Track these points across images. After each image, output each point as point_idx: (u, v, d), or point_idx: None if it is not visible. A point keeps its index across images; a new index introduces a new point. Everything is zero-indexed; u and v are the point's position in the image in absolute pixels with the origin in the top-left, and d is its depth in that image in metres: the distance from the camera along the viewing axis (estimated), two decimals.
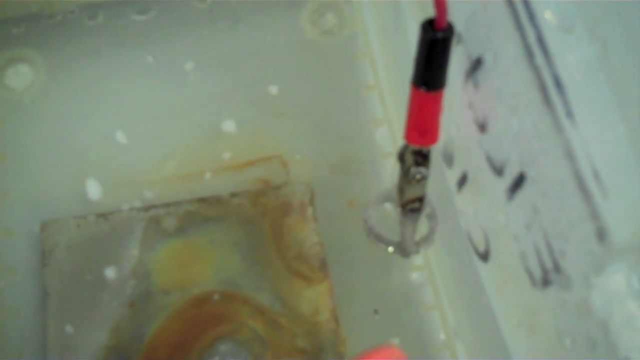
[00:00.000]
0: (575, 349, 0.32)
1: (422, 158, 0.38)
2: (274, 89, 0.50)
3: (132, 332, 0.45)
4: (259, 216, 0.47)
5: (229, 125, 0.49)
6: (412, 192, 0.40)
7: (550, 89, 0.29)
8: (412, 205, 0.41)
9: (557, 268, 0.31)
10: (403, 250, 0.43)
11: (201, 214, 0.47)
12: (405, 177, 0.39)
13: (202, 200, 0.48)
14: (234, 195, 0.48)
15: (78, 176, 0.48)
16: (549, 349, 0.35)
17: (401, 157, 0.39)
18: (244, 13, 0.52)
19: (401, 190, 0.41)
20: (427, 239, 0.43)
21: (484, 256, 0.39)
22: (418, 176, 0.39)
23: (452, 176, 0.41)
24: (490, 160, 0.35)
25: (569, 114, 0.29)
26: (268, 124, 0.50)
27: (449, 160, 0.41)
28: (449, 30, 0.32)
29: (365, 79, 0.51)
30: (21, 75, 0.50)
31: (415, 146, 0.37)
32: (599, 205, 0.28)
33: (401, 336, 0.46)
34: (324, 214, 0.48)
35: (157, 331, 0.45)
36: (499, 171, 0.35)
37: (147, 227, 0.47)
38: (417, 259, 0.47)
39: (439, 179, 0.43)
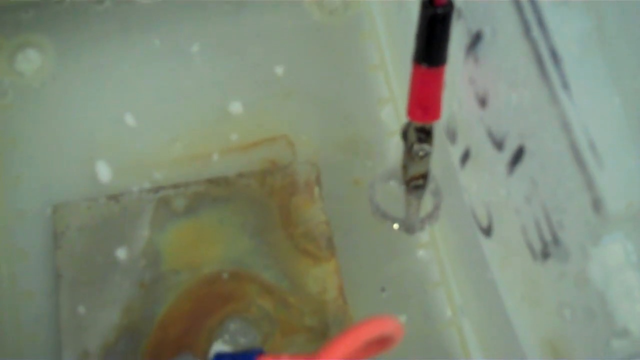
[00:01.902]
0: (575, 321, 0.32)
1: (425, 135, 0.39)
2: (279, 70, 0.51)
3: (143, 311, 0.46)
4: (266, 196, 0.48)
5: (235, 107, 0.50)
6: (415, 169, 0.41)
7: (546, 61, 0.29)
8: (416, 182, 0.42)
9: (556, 240, 0.32)
10: (408, 227, 0.44)
11: (210, 194, 0.48)
12: (409, 154, 0.40)
13: (210, 181, 0.48)
14: (241, 175, 0.48)
15: (88, 159, 0.49)
16: (550, 321, 0.35)
17: (404, 135, 0.40)
18: None
19: (405, 167, 0.41)
20: (431, 216, 0.43)
21: (487, 231, 0.39)
22: (421, 153, 0.39)
23: (456, 152, 0.41)
24: (491, 135, 0.36)
25: (565, 85, 0.29)
26: (274, 104, 0.50)
27: (452, 136, 0.41)
28: (449, 5, 0.33)
29: (370, 59, 0.51)
30: (30, 60, 0.51)
31: (418, 123, 0.38)
32: (594, 175, 0.28)
33: (408, 313, 0.47)
34: (330, 193, 0.48)
35: (168, 311, 0.46)
36: (499, 145, 0.35)
37: (156, 208, 0.48)
38: (423, 236, 0.48)
39: (443, 156, 0.43)
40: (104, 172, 0.49)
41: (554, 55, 0.29)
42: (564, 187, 0.30)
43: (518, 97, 0.32)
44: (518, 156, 0.33)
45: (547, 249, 0.32)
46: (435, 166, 0.44)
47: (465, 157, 0.40)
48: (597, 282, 0.29)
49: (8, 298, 0.46)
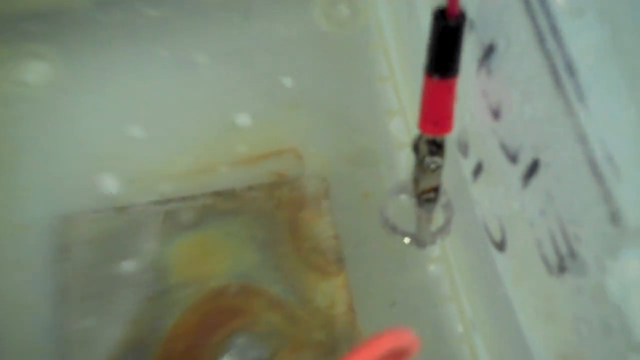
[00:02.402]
0: (591, 336, 0.31)
1: (437, 147, 0.38)
2: (288, 82, 0.50)
3: (150, 325, 0.45)
4: (274, 209, 0.47)
5: (243, 119, 0.49)
6: (427, 182, 0.40)
7: (561, 73, 0.29)
8: (427, 196, 0.41)
9: (572, 253, 0.31)
10: (419, 241, 0.43)
11: (217, 207, 0.48)
12: (420, 167, 0.39)
13: (218, 193, 0.48)
14: (249, 188, 0.48)
15: (94, 171, 0.48)
16: (566, 336, 0.34)
17: (415, 147, 0.39)
18: (256, 6, 0.52)
19: (416, 180, 0.40)
20: (443, 230, 0.43)
21: (500, 245, 0.39)
22: (433, 166, 0.39)
23: (468, 165, 0.41)
24: (504, 148, 0.35)
25: (581, 97, 0.28)
26: (283, 116, 0.50)
27: (464, 149, 0.41)
28: (461, 18, 0.32)
29: (379, 70, 0.51)
30: (36, 71, 0.50)
31: (430, 135, 0.37)
32: (612, 187, 0.27)
33: (419, 329, 0.46)
34: (339, 206, 0.48)
35: (175, 324, 0.45)
36: (513, 158, 0.34)
37: (164, 220, 0.47)
38: (434, 251, 0.47)
39: (454, 170, 0.43)
40: (110, 184, 0.48)
41: (569, 66, 0.29)
42: (580, 200, 0.29)
43: (532, 109, 0.31)
44: (533, 169, 0.32)
45: (564, 263, 0.32)
46: (446, 180, 0.43)
47: (478, 170, 0.39)
48: (615, 296, 0.29)
49: (12, 311, 0.46)
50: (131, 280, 0.46)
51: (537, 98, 0.31)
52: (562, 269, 0.32)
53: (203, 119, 0.50)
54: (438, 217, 0.42)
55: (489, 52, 0.35)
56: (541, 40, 0.30)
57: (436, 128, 0.36)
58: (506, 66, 0.33)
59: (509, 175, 0.35)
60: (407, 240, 0.43)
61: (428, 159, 0.38)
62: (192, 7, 0.52)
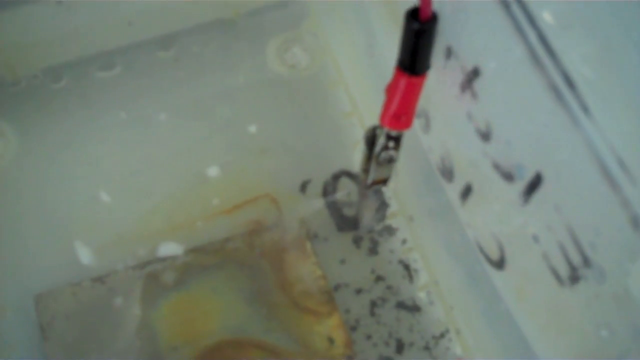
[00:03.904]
0: (613, 339, 0.32)
1: (394, 142, 0.40)
2: (252, 128, 0.50)
3: None
4: (257, 258, 0.47)
5: (213, 171, 0.49)
6: (379, 174, 0.42)
7: (561, 86, 0.30)
8: (376, 187, 0.43)
9: (587, 262, 0.31)
10: (357, 225, 0.48)
11: (199, 263, 0.47)
12: (376, 159, 0.41)
13: (197, 249, 0.47)
14: (228, 240, 0.47)
15: (66, 242, 0.47)
16: (582, 345, 0.35)
17: (369, 140, 0.41)
18: (210, 57, 0.52)
19: (366, 171, 0.42)
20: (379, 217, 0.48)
21: (499, 264, 0.39)
22: (388, 159, 0.40)
23: (454, 189, 0.41)
24: (498, 168, 0.36)
25: (585, 108, 0.29)
26: (252, 163, 0.49)
27: (448, 174, 0.41)
28: (433, 19, 0.34)
29: (342, 106, 0.51)
30: None
31: (390, 130, 0.39)
32: (628, 193, 0.28)
33: None
34: (320, 240, 0.48)
35: None
36: (508, 176, 0.35)
37: (145, 284, 0.46)
38: (421, 278, 0.47)
39: (435, 194, 0.43)
40: (84, 253, 0.47)
41: (567, 79, 0.29)
42: (594, 208, 0.30)
43: (530, 125, 0.32)
44: (535, 184, 0.33)
45: (576, 273, 0.32)
46: (424, 204, 0.44)
47: (466, 193, 0.40)
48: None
49: None
50: (120, 351, 0.44)
51: (536, 114, 0.31)
52: (575, 279, 0.33)
53: (172, 175, 0.49)
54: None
55: (472, 76, 0.35)
56: (534, 57, 0.30)
57: (398, 123, 0.38)
58: (496, 87, 0.34)
59: (505, 193, 0.35)
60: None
61: (384, 153, 0.40)
62: (145, 64, 0.51)
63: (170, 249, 0.47)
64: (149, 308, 0.45)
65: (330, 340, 0.45)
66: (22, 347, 0.44)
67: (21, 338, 0.45)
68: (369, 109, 0.50)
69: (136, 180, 0.48)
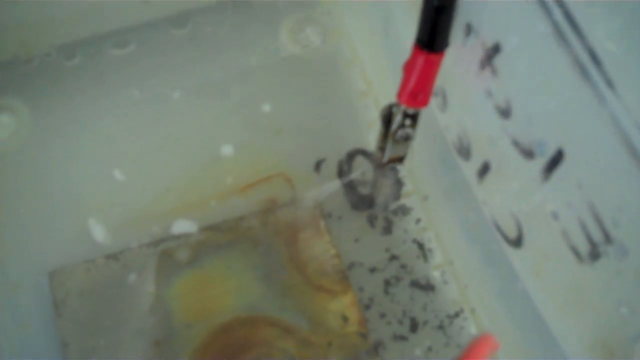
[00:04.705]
0: (634, 317, 0.32)
1: (412, 120, 0.40)
2: (267, 108, 0.50)
3: None
4: (271, 236, 0.47)
5: (227, 150, 0.49)
6: (395, 152, 0.42)
7: (585, 62, 0.30)
8: (392, 164, 0.43)
9: (608, 238, 0.31)
10: (372, 201, 0.48)
11: (213, 241, 0.47)
12: (392, 137, 0.41)
13: (211, 227, 0.47)
14: (242, 218, 0.47)
15: (80, 220, 0.47)
16: (601, 323, 0.35)
17: (386, 118, 0.41)
18: (225, 36, 0.52)
19: (382, 149, 0.42)
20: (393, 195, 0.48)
21: (517, 242, 0.39)
22: (405, 136, 0.41)
23: (471, 168, 0.41)
24: (517, 145, 0.35)
25: (609, 84, 0.29)
26: (266, 142, 0.49)
27: (465, 152, 0.41)
28: None
29: (357, 86, 0.51)
30: (4, 125, 0.48)
31: (407, 107, 0.39)
32: None
33: (431, 343, 0.46)
34: (334, 219, 0.48)
35: None
36: (528, 153, 0.35)
37: (159, 261, 0.46)
38: (436, 257, 0.47)
39: (450, 173, 0.43)
40: (98, 231, 0.47)
41: (592, 54, 0.29)
42: (618, 184, 0.30)
43: (553, 101, 0.32)
44: (556, 161, 0.33)
45: (597, 249, 0.32)
46: (442, 183, 0.44)
47: (484, 171, 0.40)
48: None
49: None
50: (134, 328, 0.45)
51: (560, 89, 0.31)
52: (595, 255, 0.33)
53: (186, 154, 0.49)
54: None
55: (492, 52, 0.35)
56: (560, 33, 0.30)
57: (415, 101, 0.38)
58: (518, 63, 0.34)
59: (525, 170, 0.35)
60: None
61: (401, 131, 0.40)
62: (160, 42, 0.51)
63: (184, 226, 0.47)
64: (163, 285, 0.46)
65: (344, 319, 0.45)
66: (36, 324, 0.44)
67: (35, 315, 0.45)
68: (384, 88, 0.50)
69: (150, 159, 0.48)
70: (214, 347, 0.44)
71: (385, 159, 0.42)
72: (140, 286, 0.45)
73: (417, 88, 0.37)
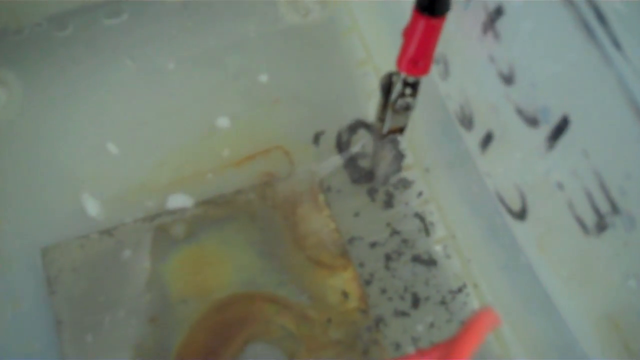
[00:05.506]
0: None
1: (412, 88, 0.38)
2: (263, 78, 0.49)
3: (156, 348, 0.43)
4: (269, 210, 0.46)
5: (223, 122, 0.47)
6: (395, 122, 0.41)
7: (591, 22, 0.28)
8: (392, 136, 0.42)
9: (615, 209, 0.30)
10: (371, 177, 0.47)
11: (209, 216, 0.45)
12: (392, 107, 0.40)
13: (207, 201, 0.46)
14: (239, 192, 0.46)
15: (73, 194, 0.46)
16: (608, 296, 0.34)
17: (385, 88, 0.39)
18: (221, 5, 0.50)
19: (382, 120, 0.41)
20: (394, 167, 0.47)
21: (520, 214, 0.38)
22: (405, 106, 0.39)
23: (473, 138, 0.40)
24: (521, 113, 0.34)
25: (616, 44, 0.27)
26: (263, 114, 0.48)
27: (467, 122, 0.40)
28: None
29: (356, 54, 0.50)
30: None
31: (407, 76, 0.37)
32: None
33: (434, 317, 0.44)
34: (334, 193, 0.46)
35: (183, 343, 0.43)
36: (532, 121, 0.34)
37: (155, 236, 0.45)
38: (437, 231, 0.46)
39: (452, 144, 0.42)
40: (91, 205, 0.46)
41: (599, 15, 0.28)
42: (626, 151, 0.28)
43: (558, 65, 0.31)
44: (561, 128, 0.32)
45: (604, 221, 0.31)
46: (443, 155, 0.42)
47: (487, 141, 0.38)
48: None
49: (6, 351, 0.43)
50: (130, 304, 0.43)
51: (565, 52, 0.30)
52: (602, 227, 0.31)
53: (181, 126, 0.47)
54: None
55: (495, 15, 0.34)
56: None
57: (416, 68, 0.37)
58: (521, 26, 0.32)
59: (528, 139, 0.34)
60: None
61: (401, 100, 0.39)
62: (153, 12, 0.50)
63: (179, 201, 0.46)
64: (159, 261, 0.44)
65: (344, 294, 0.44)
66: (29, 301, 0.44)
67: (28, 291, 0.44)
68: (383, 57, 0.48)
69: (144, 131, 0.47)
70: (211, 323, 0.43)
71: (385, 129, 0.41)
72: (135, 262, 0.44)
73: (417, 55, 0.36)
